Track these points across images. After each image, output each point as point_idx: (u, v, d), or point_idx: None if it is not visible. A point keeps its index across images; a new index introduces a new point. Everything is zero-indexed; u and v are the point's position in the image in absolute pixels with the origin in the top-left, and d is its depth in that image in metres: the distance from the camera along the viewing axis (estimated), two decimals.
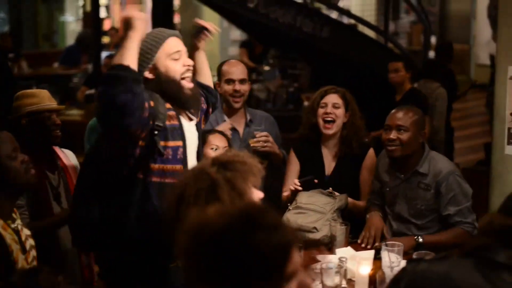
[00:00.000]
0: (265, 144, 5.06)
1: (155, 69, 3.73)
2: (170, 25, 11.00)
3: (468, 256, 2.43)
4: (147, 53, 3.69)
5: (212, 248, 2.17)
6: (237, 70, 5.18)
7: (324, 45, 9.54)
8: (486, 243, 2.39)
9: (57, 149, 4.58)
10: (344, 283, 3.78)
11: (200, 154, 3.95)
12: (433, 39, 15.75)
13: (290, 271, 2.19)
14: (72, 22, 19.87)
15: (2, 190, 3.14)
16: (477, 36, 18.55)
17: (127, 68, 3.36)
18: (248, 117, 5.29)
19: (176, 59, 3.74)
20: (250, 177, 2.83)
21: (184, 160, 3.75)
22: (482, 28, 18.16)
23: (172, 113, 3.73)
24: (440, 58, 9.91)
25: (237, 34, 17.28)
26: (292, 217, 4.53)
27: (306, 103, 10.53)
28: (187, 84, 3.78)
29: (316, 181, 4.68)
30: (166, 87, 3.72)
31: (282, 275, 2.18)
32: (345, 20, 13.29)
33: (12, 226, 3.16)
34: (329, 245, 4.38)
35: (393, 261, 3.79)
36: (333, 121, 4.91)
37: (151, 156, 3.61)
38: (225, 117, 5.22)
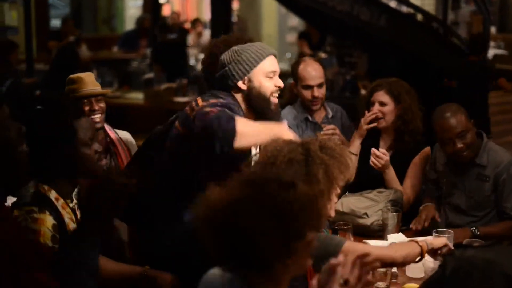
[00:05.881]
0: (332, 137, 4.90)
1: (249, 81, 3.85)
2: (228, 12, 11.06)
3: None
4: (246, 64, 3.83)
5: None
6: (314, 75, 5.20)
7: (381, 33, 9.54)
8: None
9: (112, 132, 4.65)
10: (394, 269, 3.82)
11: None
12: (493, 29, 15.58)
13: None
14: (131, 7, 20.05)
15: (69, 174, 3.22)
16: None
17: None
18: (330, 113, 5.40)
19: (270, 78, 3.88)
20: (343, 171, 2.89)
21: None
22: None
23: None
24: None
25: (295, 21, 17.29)
26: (345, 201, 4.58)
27: (362, 91, 10.53)
28: (274, 101, 3.92)
29: None
30: (256, 101, 3.86)
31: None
32: (404, 9, 13.23)
33: (71, 205, 3.24)
34: (379, 233, 4.43)
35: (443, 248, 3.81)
36: (381, 118, 4.93)
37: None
38: (307, 115, 5.32)
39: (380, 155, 4.70)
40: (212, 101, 3.66)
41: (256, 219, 2.24)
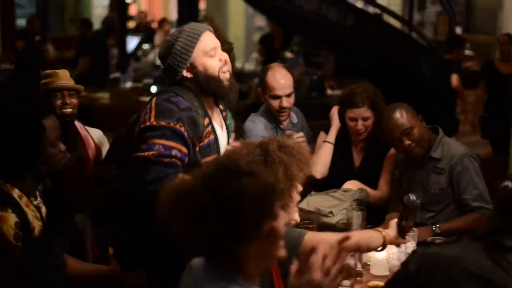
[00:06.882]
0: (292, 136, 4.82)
1: (193, 68, 3.79)
2: (195, 12, 11.07)
3: (478, 240, 2.50)
4: (182, 53, 3.76)
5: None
6: (283, 84, 4.90)
7: (349, 33, 9.56)
8: (496, 228, 2.46)
9: (82, 129, 4.65)
10: (359, 266, 3.84)
11: None
12: (458, 30, 15.70)
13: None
14: (98, 6, 19.97)
15: (34, 172, 3.21)
16: (503, 28, 18.45)
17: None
18: (295, 119, 5.21)
19: (212, 56, 3.79)
20: (303, 168, 2.89)
21: None
22: (508, 20, 18.06)
23: (209, 128, 3.84)
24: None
25: (262, 21, 17.28)
26: (311, 200, 4.59)
27: (329, 91, 10.57)
28: (225, 76, 3.84)
29: None
30: (205, 84, 3.80)
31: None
32: (371, 9, 13.29)
33: (35, 203, 3.23)
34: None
35: (408, 246, 3.84)
36: (364, 131, 4.90)
37: (189, 169, 3.64)
38: (277, 123, 5.11)
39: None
40: (162, 123, 3.63)
41: (207, 208, 2.25)
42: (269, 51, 12.61)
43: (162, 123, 3.63)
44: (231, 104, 4.09)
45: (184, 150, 3.66)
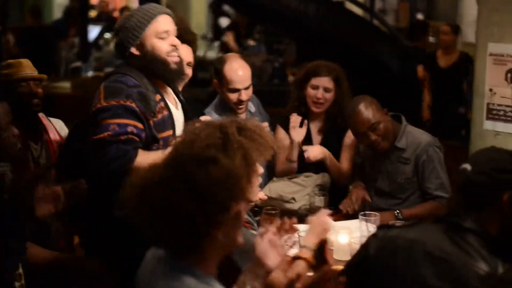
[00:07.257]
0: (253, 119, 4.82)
1: (142, 46, 3.79)
2: (156, 1, 10.99)
3: (438, 222, 2.52)
4: (134, 29, 3.76)
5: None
6: (242, 76, 4.73)
7: (310, 21, 9.57)
8: (455, 210, 2.49)
9: (45, 119, 4.62)
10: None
11: None
12: (420, 17, 15.78)
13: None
14: None
15: None
16: (464, 15, 18.55)
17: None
18: (253, 108, 5.09)
19: (163, 38, 3.80)
20: (263, 153, 2.86)
21: None
22: (469, 7, 18.08)
23: (162, 104, 3.82)
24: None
25: (224, 8, 17.22)
26: (273, 186, 4.60)
27: (291, 78, 10.58)
28: (173, 59, 3.84)
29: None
30: (151, 64, 3.80)
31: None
32: None
33: None
34: (307, 217, 4.44)
35: (370, 230, 3.85)
36: (322, 103, 4.91)
37: (147, 144, 3.71)
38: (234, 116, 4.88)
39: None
40: (113, 102, 3.64)
41: (177, 199, 2.25)
42: (237, 37, 12.64)
43: (112, 102, 3.64)
44: (175, 87, 4.11)
45: (139, 125, 3.66)
